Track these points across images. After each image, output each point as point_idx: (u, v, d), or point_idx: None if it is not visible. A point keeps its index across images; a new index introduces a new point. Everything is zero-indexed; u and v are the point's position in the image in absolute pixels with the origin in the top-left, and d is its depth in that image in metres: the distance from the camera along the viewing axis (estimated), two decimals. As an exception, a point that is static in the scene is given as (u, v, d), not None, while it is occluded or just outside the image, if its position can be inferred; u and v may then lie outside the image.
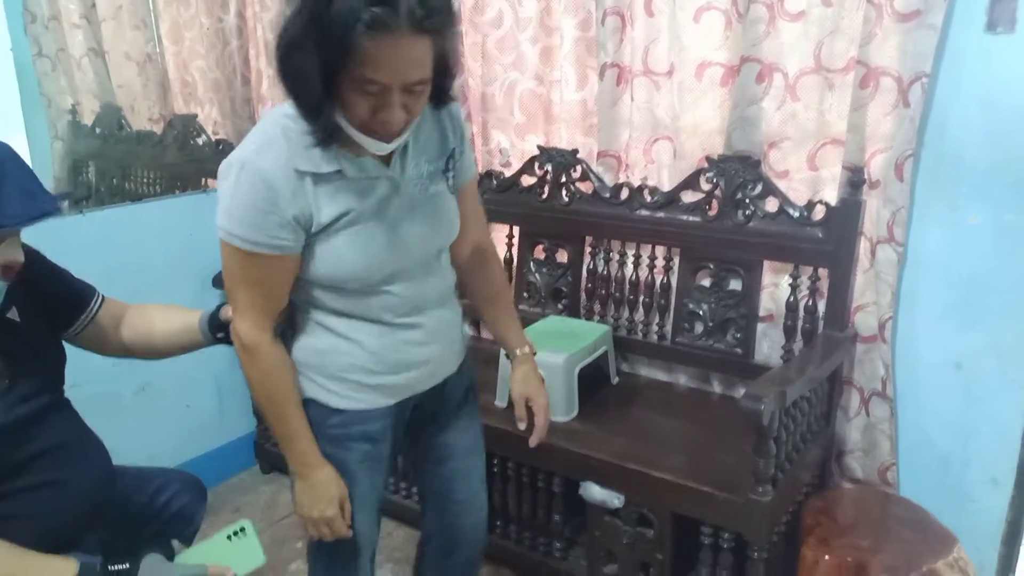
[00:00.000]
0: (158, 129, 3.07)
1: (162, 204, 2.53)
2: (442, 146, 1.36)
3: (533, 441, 1.59)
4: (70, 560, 1.23)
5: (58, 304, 1.46)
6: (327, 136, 1.17)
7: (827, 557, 1.74)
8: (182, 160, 2.86)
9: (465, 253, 1.52)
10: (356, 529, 1.43)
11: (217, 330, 1.49)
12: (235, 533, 1.39)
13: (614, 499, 1.94)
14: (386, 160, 1.27)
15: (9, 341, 1.31)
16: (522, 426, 1.58)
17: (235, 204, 1.19)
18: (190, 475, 1.68)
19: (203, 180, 2.83)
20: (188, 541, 1.55)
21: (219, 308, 1.50)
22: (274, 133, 1.20)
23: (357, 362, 1.36)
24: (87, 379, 1.48)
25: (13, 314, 1.34)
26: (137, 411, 1.76)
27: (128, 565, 1.26)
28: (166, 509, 1.57)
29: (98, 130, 3.00)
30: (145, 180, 3.04)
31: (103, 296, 1.52)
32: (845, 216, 1.95)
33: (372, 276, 1.30)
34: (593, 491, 1.97)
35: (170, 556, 1.35)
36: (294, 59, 1.11)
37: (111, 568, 1.24)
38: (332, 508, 1.36)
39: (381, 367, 1.37)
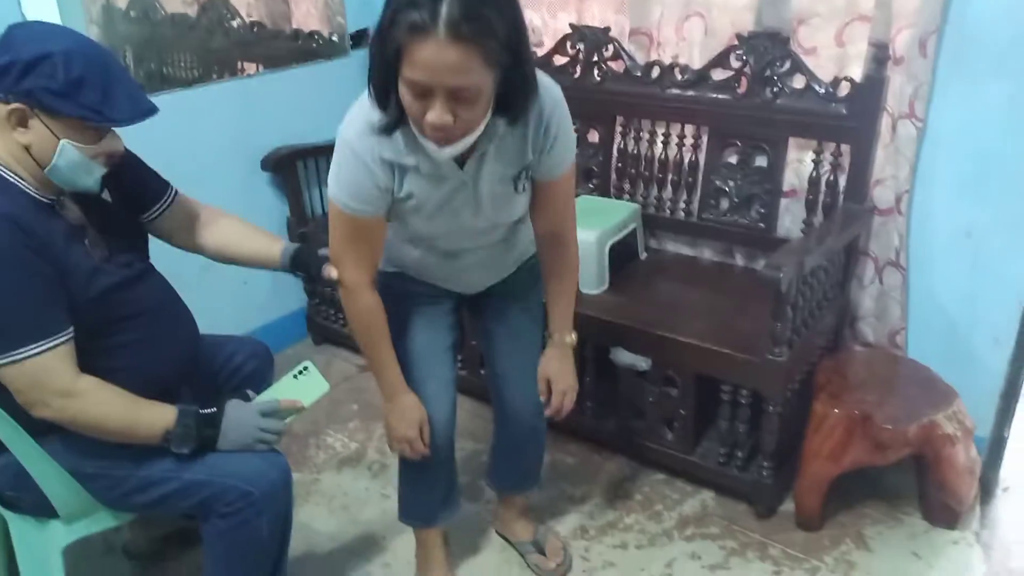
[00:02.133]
0: (192, 12, 3.09)
1: (208, 89, 2.64)
2: (519, 158, 1.43)
3: (547, 412, 1.73)
4: (170, 406, 1.43)
5: (138, 191, 1.60)
6: (390, 126, 1.30)
7: (836, 410, 1.92)
8: (218, 44, 2.90)
9: (540, 232, 1.61)
10: (424, 372, 1.66)
11: (297, 268, 1.65)
12: (300, 372, 1.58)
13: (641, 362, 2.12)
14: (462, 160, 1.39)
15: (104, 218, 1.47)
16: (542, 399, 1.72)
17: (340, 177, 1.39)
18: (258, 341, 1.87)
19: (239, 64, 2.90)
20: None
21: (301, 250, 1.65)
22: (369, 122, 1.33)
23: (406, 260, 1.64)
24: (155, 260, 1.63)
25: (105, 195, 1.50)
26: (200, 288, 1.93)
27: (215, 409, 1.47)
28: (240, 370, 1.76)
29: (132, 14, 3.01)
30: (183, 64, 3.09)
31: (177, 191, 1.67)
32: (869, 92, 2.02)
33: (428, 239, 1.55)
34: (622, 355, 2.14)
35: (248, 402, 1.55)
36: (372, 51, 1.24)
37: (202, 411, 1.45)
38: (413, 430, 1.61)
39: (421, 273, 1.66)
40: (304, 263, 1.63)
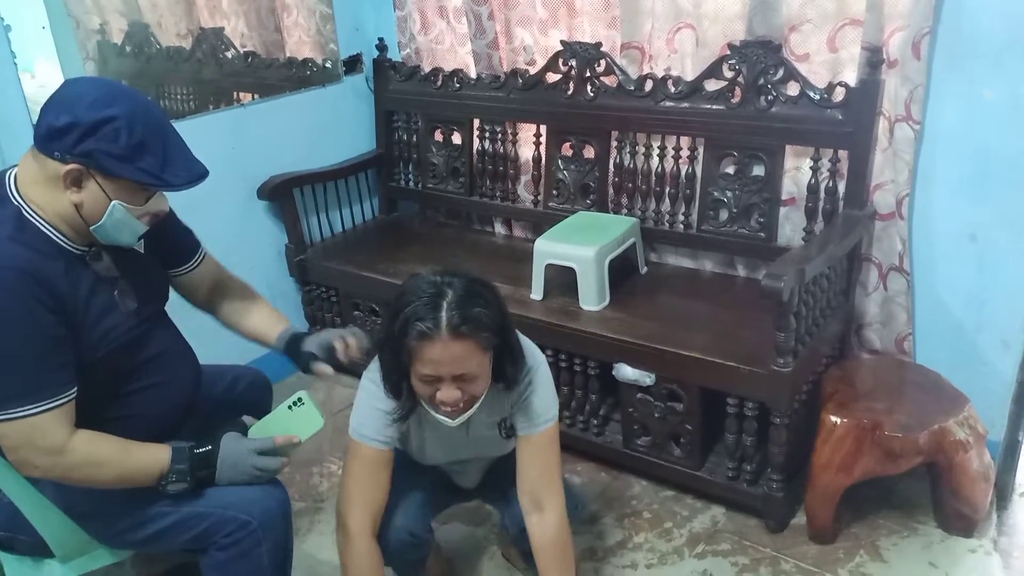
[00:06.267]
0: (187, 44, 3.11)
1: (204, 120, 2.65)
2: (499, 408, 1.60)
3: None
4: (164, 446, 1.42)
5: (171, 246, 1.62)
6: (406, 414, 1.54)
7: (844, 420, 1.88)
8: (213, 75, 2.92)
9: (524, 501, 1.60)
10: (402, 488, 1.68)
11: (288, 354, 1.69)
12: (294, 403, 1.55)
13: (645, 378, 2.09)
14: None
15: (138, 269, 1.48)
16: None
17: (360, 410, 1.57)
18: (257, 370, 1.87)
19: (235, 94, 2.91)
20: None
21: (297, 338, 1.68)
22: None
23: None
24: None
25: (140, 246, 1.50)
26: (203, 317, 1.92)
27: (210, 447, 1.44)
28: (240, 400, 1.75)
29: (128, 48, 3.03)
30: (179, 96, 3.10)
31: (206, 252, 1.69)
32: (864, 97, 2.00)
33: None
34: (626, 371, 2.11)
35: (244, 432, 1.53)
36: (382, 355, 1.49)
37: (197, 451, 1.43)
38: None
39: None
40: (295, 352, 1.67)
